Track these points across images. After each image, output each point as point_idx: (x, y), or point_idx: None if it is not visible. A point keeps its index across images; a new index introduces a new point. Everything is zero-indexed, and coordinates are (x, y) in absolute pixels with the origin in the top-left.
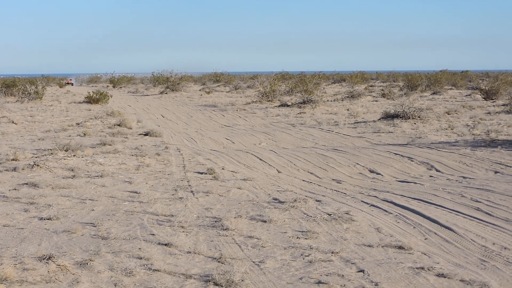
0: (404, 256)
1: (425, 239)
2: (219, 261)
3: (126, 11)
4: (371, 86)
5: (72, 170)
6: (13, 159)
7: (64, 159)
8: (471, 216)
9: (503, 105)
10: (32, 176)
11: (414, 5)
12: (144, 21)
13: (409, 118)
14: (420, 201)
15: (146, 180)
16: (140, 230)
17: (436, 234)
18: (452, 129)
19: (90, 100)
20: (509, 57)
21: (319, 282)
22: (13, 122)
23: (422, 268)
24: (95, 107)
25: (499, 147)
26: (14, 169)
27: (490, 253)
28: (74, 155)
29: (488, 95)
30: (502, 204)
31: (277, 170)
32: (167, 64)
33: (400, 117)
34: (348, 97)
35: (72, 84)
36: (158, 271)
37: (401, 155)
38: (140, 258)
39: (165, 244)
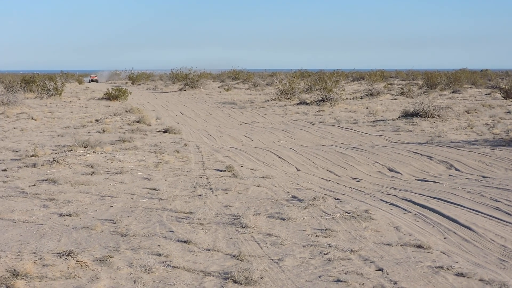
0: (423, 255)
1: (444, 238)
2: (238, 259)
3: (145, 8)
4: (390, 84)
5: (91, 166)
6: (32, 155)
7: (84, 155)
8: (491, 216)
9: None
10: (52, 173)
11: (434, 2)
12: (163, 17)
13: (428, 117)
14: (439, 200)
15: (165, 177)
16: (159, 227)
17: (455, 233)
18: (471, 128)
19: (109, 96)
20: None
21: (338, 281)
22: (32, 118)
23: (441, 267)
24: (114, 103)
25: None
26: (34, 165)
27: (510, 253)
28: (93, 152)
29: (508, 94)
30: None
31: (296, 168)
32: (186, 61)
33: (420, 116)
34: (367, 95)
35: (97, 81)
36: (177, 268)
37: (420, 154)
38: (159, 255)
39: (184, 241)
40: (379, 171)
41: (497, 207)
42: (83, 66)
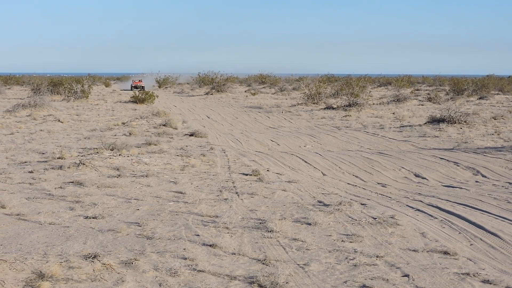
0: (449, 262)
1: (471, 244)
2: (263, 263)
3: (173, 10)
4: (417, 90)
5: (118, 169)
6: (59, 158)
7: (110, 158)
8: None
9: None
10: (78, 175)
11: (461, 7)
12: (190, 20)
13: (455, 123)
14: (466, 207)
15: (191, 180)
16: (185, 230)
17: (481, 240)
18: (498, 134)
19: (136, 99)
20: None
21: (364, 286)
22: (59, 120)
23: (468, 274)
24: (141, 106)
25: None
26: (60, 168)
27: None
28: (119, 155)
29: None
30: None
31: (322, 172)
32: (213, 64)
33: (446, 122)
34: (394, 100)
35: (143, 88)
36: (203, 271)
37: (447, 160)
38: (185, 259)
39: (210, 245)
40: (405, 177)
41: None
42: (110, 69)
